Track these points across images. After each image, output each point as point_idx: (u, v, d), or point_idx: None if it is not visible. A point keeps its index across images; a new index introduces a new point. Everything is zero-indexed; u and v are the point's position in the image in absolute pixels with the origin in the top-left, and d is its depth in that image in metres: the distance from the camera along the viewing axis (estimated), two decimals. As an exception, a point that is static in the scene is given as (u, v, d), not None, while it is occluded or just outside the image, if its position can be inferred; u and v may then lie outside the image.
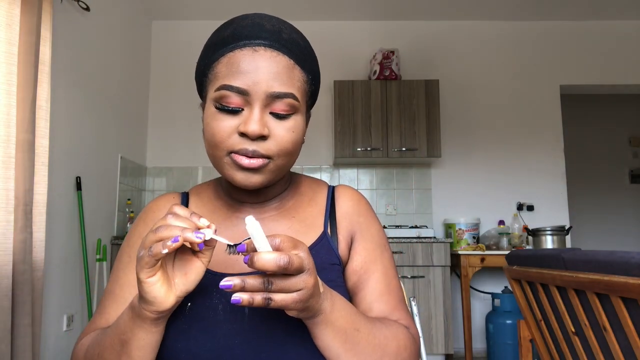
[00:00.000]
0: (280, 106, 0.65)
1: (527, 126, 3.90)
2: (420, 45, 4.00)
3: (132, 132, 3.61)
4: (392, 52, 3.64)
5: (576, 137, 5.22)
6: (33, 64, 2.02)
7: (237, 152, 0.65)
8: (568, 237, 3.46)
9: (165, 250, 0.53)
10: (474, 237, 3.48)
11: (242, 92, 0.63)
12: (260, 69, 0.64)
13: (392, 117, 3.56)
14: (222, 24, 0.71)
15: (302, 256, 0.53)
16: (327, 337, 0.60)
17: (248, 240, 0.54)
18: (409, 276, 3.18)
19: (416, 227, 3.46)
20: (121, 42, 3.38)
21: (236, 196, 0.76)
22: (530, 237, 3.45)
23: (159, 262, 0.55)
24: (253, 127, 0.62)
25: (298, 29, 0.73)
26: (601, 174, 5.33)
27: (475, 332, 3.64)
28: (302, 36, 0.72)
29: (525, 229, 3.48)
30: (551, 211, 3.81)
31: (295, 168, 3.72)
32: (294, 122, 0.67)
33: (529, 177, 3.85)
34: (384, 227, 3.53)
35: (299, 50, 0.68)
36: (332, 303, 0.60)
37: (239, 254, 0.54)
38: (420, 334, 1.03)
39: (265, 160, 0.65)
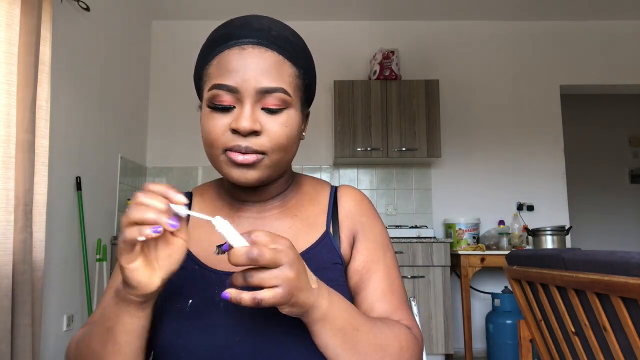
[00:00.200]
0: (271, 101, 0.66)
1: (527, 126, 3.90)
2: (420, 45, 4.00)
3: (132, 132, 3.61)
4: (392, 52, 3.64)
5: (576, 137, 5.22)
6: (33, 64, 2.02)
7: (231, 149, 0.66)
8: (568, 237, 3.46)
9: (142, 238, 0.52)
10: (474, 237, 3.48)
11: (232, 90, 0.65)
12: (248, 66, 0.65)
13: (392, 117, 3.56)
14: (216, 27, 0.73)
15: (279, 249, 0.54)
16: (325, 336, 0.60)
17: None
18: (409, 276, 3.18)
19: (416, 227, 3.46)
20: (121, 42, 3.38)
21: (238, 195, 0.76)
22: (530, 237, 3.45)
23: (138, 247, 0.55)
24: (244, 124, 0.64)
25: (291, 27, 0.73)
26: (601, 174, 5.32)
27: (475, 332, 3.64)
28: (294, 33, 0.72)
29: (525, 229, 3.48)
30: (551, 211, 3.81)
31: (295, 168, 3.72)
32: (287, 116, 0.68)
33: (529, 177, 3.85)
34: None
35: (289, 46, 0.69)
36: (330, 301, 0.60)
37: (225, 252, 0.55)
38: (421, 334, 1.03)
39: (260, 156, 0.66)
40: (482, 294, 3.72)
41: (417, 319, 1.05)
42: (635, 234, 5.22)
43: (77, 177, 2.73)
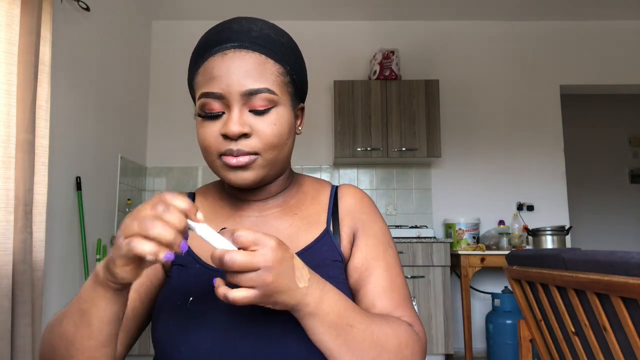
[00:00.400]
0: (257, 102, 0.67)
1: (527, 126, 3.90)
2: (420, 45, 4.00)
3: (132, 132, 3.61)
4: (392, 52, 3.64)
5: (576, 137, 5.22)
6: (33, 64, 2.02)
7: (225, 154, 0.68)
8: (568, 237, 3.46)
9: (151, 258, 0.49)
10: (474, 237, 3.48)
11: (219, 97, 0.67)
12: (230, 71, 0.66)
13: (392, 117, 3.56)
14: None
15: (258, 253, 0.53)
16: (317, 332, 0.60)
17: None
18: (409, 276, 3.18)
19: (416, 227, 3.46)
20: (121, 42, 3.38)
21: (239, 195, 0.77)
22: (530, 237, 3.45)
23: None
24: (232, 128, 0.65)
25: (275, 25, 0.74)
26: (601, 174, 5.32)
27: (475, 332, 3.64)
28: (277, 31, 0.72)
29: (525, 229, 3.48)
30: (551, 211, 3.81)
31: (295, 168, 3.72)
32: (275, 115, 0.68)
33: (529, 177, 3.85)
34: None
35: (271, 44, 0.69)
36: (321, 297, 0.60)
37: None
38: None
39: (252, 157, 0.67)
40: (482, 294, 3.72)
41: (417, 318, 1.05)
42: (635, 234, 5.22)
43: (77, 177, 2.73)
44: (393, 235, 3.32)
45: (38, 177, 2.10)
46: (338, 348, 0.61)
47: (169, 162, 3.87)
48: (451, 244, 3.46)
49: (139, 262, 0.52)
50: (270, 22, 0.75)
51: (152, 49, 3.99)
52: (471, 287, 3.69)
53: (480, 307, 3.70)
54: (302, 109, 0.79)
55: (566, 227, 3.28)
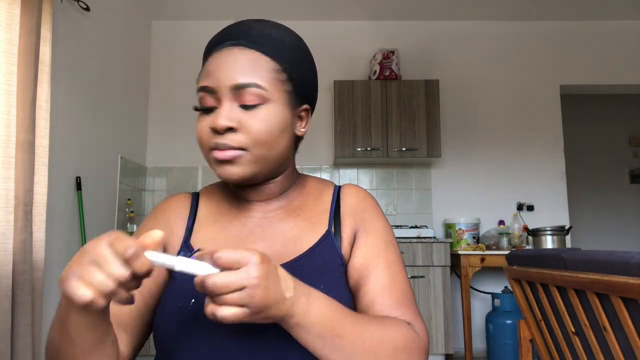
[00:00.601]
0: (246, 97, 0.67)
1: (527, 126, 3.90)
2: (420, 45, 4.00)
3: (132, 132, 3.61)
4: (392, 52, 3.64)
5: (576, 137, 5.22)
6: (33, 64, 2.02)
7: (214, 148, 0.68)
8: (568, 237, 3.46)
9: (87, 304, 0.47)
10: (474, 237, 3.48)
11: (211, 91, 0.68)
12: (223, 66, 0.67)
13: (392, 117, 3.56)
14: None
15: (244, 270, 0.51)
16: (304, 342, 0.59)
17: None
18: (409, 276, 3.18)
19: (416, 227, 3.46)
20: (121, 42, 3.38)
21: (241, 195, 0.77)
22: (530, 237, 3.45)
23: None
24: (218, 122, 0.66)
25: (283, 26, 0.73)
26: (601, 174, 5.32)
27: (475, 332, 3.64)
28: (283, 31, 0.72)
29: (525, 229, 3.48)
30: (551, 211, 3.81)
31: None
32: (265, 111, 0.68)
33: (529, 177, 3.85)
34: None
35: (268, 42, 0.69)
36: (307, 308, 0.58)
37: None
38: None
39: (239, 152, 0.67)
40: (482, 294, 3.72)
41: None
42: (635, 234, 5.22)
43: (77, 177, 2.73)
44: (393, 235, 3.31)
45: (38, 177, 2.10)
46: (325, 357, 0.60)
47: (169, 162, 3.87)
48: (451, 244, 3.46)
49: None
50: (282, 24, 0.74)
51: (152, 49, 3.99)
52: (471, 287, 3.69)
53: (480, 307, 3.70)
54: (308, 110, 0.77)
55: (566, 227, 3.28)
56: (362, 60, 3.97)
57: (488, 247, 3.42)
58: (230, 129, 0.67)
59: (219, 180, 0.83)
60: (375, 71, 3.66)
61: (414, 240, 3.23)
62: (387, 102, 3.59)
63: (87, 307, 0.49)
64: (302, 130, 0.76)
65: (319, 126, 3.91)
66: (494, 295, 3.25)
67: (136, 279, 0.50)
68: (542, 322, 1.51)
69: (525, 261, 1.51)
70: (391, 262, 0.73)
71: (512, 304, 3.14)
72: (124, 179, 3.39)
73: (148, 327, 0.74)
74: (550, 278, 1.31)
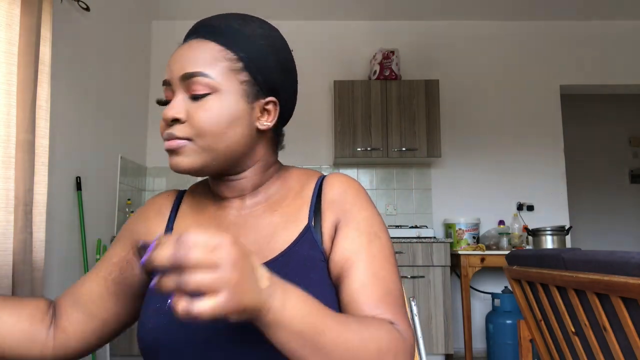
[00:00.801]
0: (194, 87, 0.66)
1: (527, 126, 3.90)
2: (420, 45, 4.00)
3: (132, 132, 3.61)
4: (392, 52, 3.64)
5: (576, 137, 5.22)
6: (33, 64, 2.02)
7: (165, 139, 0.69)
8: (568, 237, 3.46)
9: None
10: (474, 237, 3.48)
11: (166, 83, 0.69)
12: (177, 58, 0.68)
13: (392, 117, 3.56)
14: None
15: (217, 246, 0.45)
16: (281, 341, 0.52)
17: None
18: (409, 276, 3.18)
19: (416, 227, 3.46)
20: (121, 42, 3.38)
21: (216, 191, 0.76)
22: (530, 237, 3.45)
23: None
24: (165, 112, 0.67)
25: (253, 18, 0.72)
26: (601, 174, 5.32)
27: (475, 332, 3.64)
28: (247, 22, 0.70)
29: (525, 229, 3.48)
30: (551, 211, 3.81)
31: (295, 168, 3.72)
32: (212, 101, 0.66)
33: (529, 177, 3.85)
34: (384, 227, 3.52)
35: (230, 33, 0.68)
36: (284, 302, 0.51)
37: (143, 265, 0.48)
38: (420, 334, 1.02)
39: (182, 142, 0.67)
40: (482, 294, 3.72)
41: (416, 319, 1.04)
42: (635, 234, 5.22)
43: (77, 177, 2.73)
44: (393, 235, 3.31)
45: (38, 177, 2.10)
46: (306, 358, 0.53)
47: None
48: (451, 244, 3.46)
49: None
50: (258, 18, 0.73)
51: (152, 49, 3.99)
52: (471, 287, 3.69)
53: (480, 307, 3.70)
54: (274, 103, 0.71)
55: (566, 227, 3.28)
56: (362, 60, 3.97)
57: (488, 247, 3.42)
58: (178, 120, 0.67)
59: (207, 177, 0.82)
60: (375, 71, 3.66)
61: (414, 240, 3.23)
62: (387, 102, 3.59)
63: None
64: (267, 124, 0.71)
65: (319, 126, 3.91)
66: (494, 295, 3.25)
67: None
68: (542, 322, 1.51)
69: (525, 261, 1.51)
70: (374, 257, 0.67)
71: (512, 304, 3.14)
72: (124, 179, 3.39)
73: (109, 314, 0.73)
74: (550, 278, 1.31)
